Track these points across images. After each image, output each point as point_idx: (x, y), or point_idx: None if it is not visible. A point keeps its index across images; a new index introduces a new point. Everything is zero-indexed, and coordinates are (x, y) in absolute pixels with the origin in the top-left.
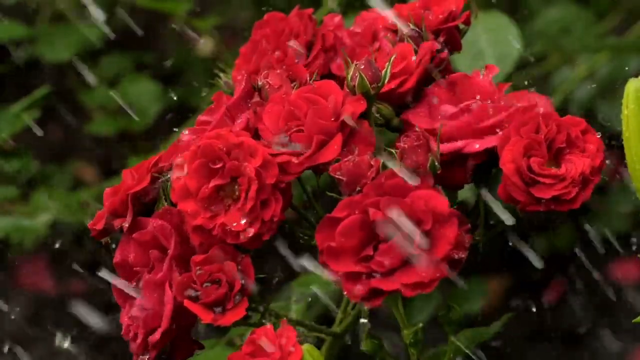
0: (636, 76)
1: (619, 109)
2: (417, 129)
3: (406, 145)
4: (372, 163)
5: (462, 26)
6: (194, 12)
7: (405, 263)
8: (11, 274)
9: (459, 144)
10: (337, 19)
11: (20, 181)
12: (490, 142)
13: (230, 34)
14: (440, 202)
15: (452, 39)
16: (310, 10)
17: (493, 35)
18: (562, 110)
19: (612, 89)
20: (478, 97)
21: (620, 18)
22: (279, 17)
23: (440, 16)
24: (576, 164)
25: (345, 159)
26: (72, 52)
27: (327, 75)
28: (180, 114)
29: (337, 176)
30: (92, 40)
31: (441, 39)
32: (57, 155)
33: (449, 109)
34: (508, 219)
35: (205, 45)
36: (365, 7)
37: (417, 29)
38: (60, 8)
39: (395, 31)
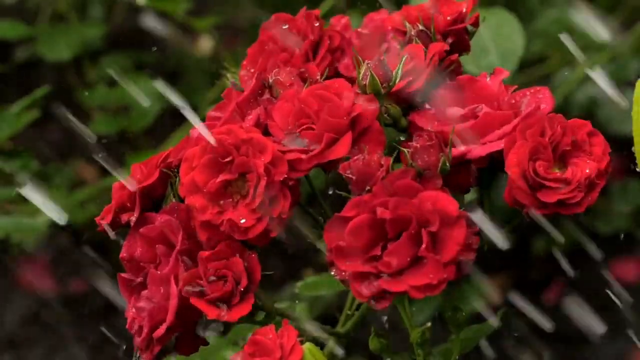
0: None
1: (619, 109)
2: (429, 128)
3: (418, 145)
4: (382, 162)
5: (470, 28)
6: (193, 12)
7: (413, 264)
8: (11, 274)
9: (463, 149)
10: (344, 20)
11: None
12: (494, 147)
13: (230, 34)
14: (449, 203)
15: (461, 40)
16: (317, 11)
17: (496, 32)
18: (563, 111)
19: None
20: (482, 105)
21: (621, 18)
22: (285, 17)
23: (449, 18)
24: (582, 168)
25: (355, 158)
26: (72, 52)
27: (333, 75)
28: (181, 114)
29: (346, 175)
30: (92, 40)
31: (450, 41)
32: (57, 155)
33: (456, 112)
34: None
35: (204, 44)
36: (367, 4)
37: (426, 30)
38: (60, 8)
39: (404, 32)
